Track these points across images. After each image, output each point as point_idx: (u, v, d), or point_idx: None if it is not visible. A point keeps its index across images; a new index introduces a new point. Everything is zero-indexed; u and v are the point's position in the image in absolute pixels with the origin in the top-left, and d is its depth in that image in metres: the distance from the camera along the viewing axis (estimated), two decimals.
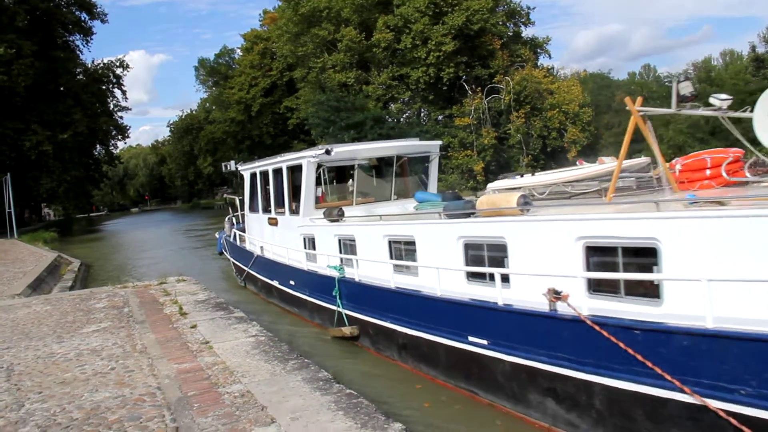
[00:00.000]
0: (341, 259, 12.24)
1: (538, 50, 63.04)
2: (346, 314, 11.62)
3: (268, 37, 77.46)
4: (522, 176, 11.40)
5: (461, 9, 50.94)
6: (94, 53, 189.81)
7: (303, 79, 64.37)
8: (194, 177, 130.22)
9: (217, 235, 25.10)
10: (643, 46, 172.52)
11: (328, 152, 13.31)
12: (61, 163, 58.20)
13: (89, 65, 69.53)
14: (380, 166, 15.46)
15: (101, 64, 70.41)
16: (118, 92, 73.22)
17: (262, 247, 16.76)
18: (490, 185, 11.41)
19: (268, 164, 16.10)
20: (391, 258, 10.71)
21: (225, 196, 27.46)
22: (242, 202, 20.93)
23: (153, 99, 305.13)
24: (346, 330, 11.52)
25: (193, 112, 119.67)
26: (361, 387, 8.25)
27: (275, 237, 15.91)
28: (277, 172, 15.45)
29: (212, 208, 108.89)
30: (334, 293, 11.71)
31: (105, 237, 59.76)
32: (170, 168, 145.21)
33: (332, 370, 8.02)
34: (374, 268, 10.97)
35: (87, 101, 64.28)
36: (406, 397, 8.98)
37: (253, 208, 18.08)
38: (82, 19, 66.61)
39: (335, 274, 11.80)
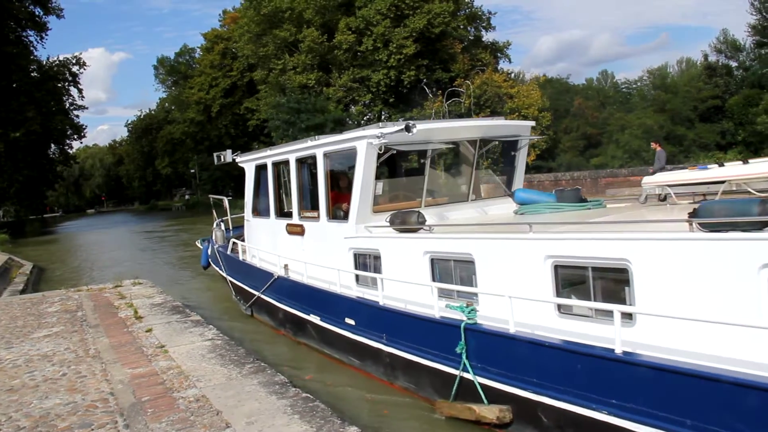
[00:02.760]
0: (437, 291, 8.19)
1: (499, 54, 63.83)
2: (480, 384, 7.18)
3: (229, 37, 76.93)
4: (721, 165, 8.18)
5: (422, 12, 51.31)
6: (52, 50, 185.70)
7: (263, 80, 64.00)
8: (152, 178, 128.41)
9: (199, 244, 20.11)
10: (603, 53, 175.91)
11: (408, 129, 9.15)
12: (13, 162, 56.81)
13: (44, 62, 68.02)
14: (453, 154, 11.84)
15: (56, 62, 68.95)
16: (74, 90, 71.79)
17: (286, 266, 12.11)
18: (646, 179, 8.82)
19: (289, 151, 12.20)
20: (558, 294, 6.98)
21: (209, 196, 22.25)
22: (234, 202, 18.48)
23: (112, 98, 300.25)
24: (488, 411, 7.10)
25: (152, 111, 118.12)
26: None
27: (297, 250, 11.91)
28: (305, 161, 11.76)
29: (170, 209, 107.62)
30: (458, 350, 7.25)
31: (59, 239, 58.41)
32: (128, 169, 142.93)
33: None
34: (523, 310, 6.98)
35: (41, 99, 62.75)
36: None
37: (260, 211, 14.13)
38: (37, 14, 65.15)
39: (458, 317, 7.46)
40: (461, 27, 57.56)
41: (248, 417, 5.88)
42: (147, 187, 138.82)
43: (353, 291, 9.92)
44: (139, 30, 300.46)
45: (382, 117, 57.55)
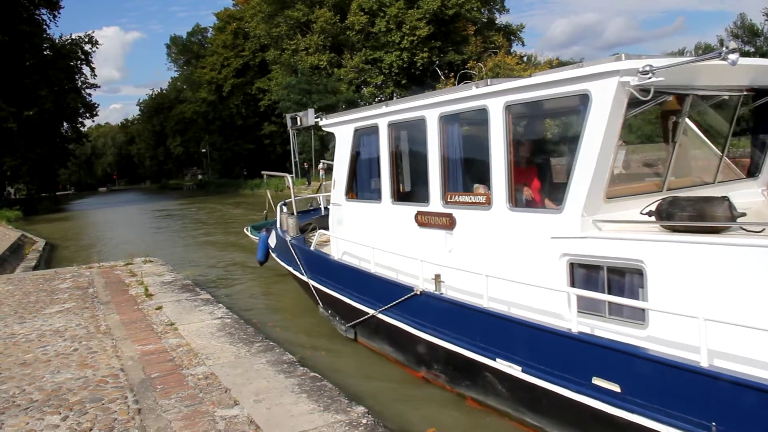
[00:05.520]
0: None
1: (512, 37, 63.42)
2: None
3: (242, 17, 76.70)
4: None
5: None
6: (67, 28, 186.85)
7: (276, 61, 63.87)
8: (164, 157, 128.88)
9: (249, 233, 16.72)
10: (618, 37, 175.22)
11: (724, 56, 5.37)
12: (26, 140, 57.12)
13: (57, 40, 68.10)
14: (703, 112, 7.63)
15: (69, 40, 69.03)
16: (86, 69, 71.96)
17: (438, 277, 7.68)
18: None
19: (426, 106, 8.29)
20: None
21: (263, 172, 16.39)
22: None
23: (125, 77, 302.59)
24: None
25: (164, 91, 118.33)
26: None
27: (436, 251, 8.11)
28: (456, 120, 8.04)
29: (181, 188, 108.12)
30: None
31: (71, 217, 58.81)
32: (139, 147, 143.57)
33: None
34: None
35: (54, 77, 62.97)
36: None
37: (361, 193, 10.40)
38: None
39: None
40: (475, 9, 57.10)
41: (256, 395, 5.94)
42: (158, 166, 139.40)
43: (568, 323, 6.00)
44: (154, 9, 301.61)
45: (394, 99, 57.50)
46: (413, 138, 9.26)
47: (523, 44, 79.41)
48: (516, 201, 7.09)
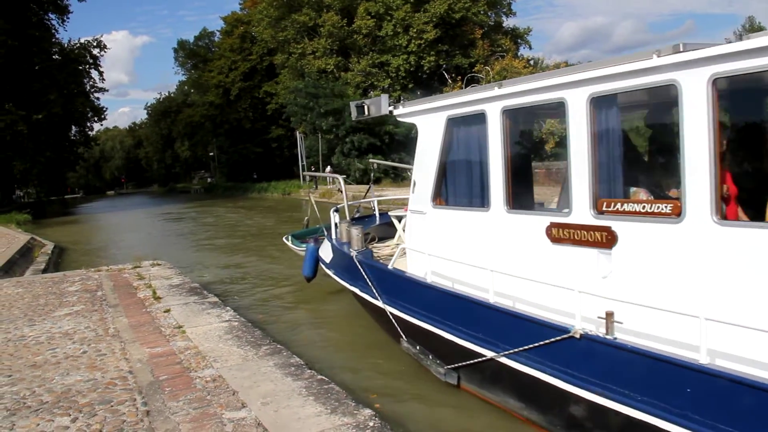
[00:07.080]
0: None
1: (519, 41, 63.43)
2: None
3: (249, 21, 77.01)
4: None
5: None
6: (78, 32, 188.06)
7: (283, 65, 64.10)
8: (171, 161, 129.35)
9: (289, 242, 15.16)
10: (626, 39, 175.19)
11: None
12: (35, 144, 57.45)
13: (65, 45, 68.53)
14: None
15: (77, 44, 69.42)
16: (95, 73, 72.31)
17: (610, 316, 5.19)
18: None
19: (563, 85, 6.19)
20: None
21: (304, 173, 14.64)
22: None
23: (133, 81, 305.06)
24: None
25: (172, 95, 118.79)
26: None
27: (580, 276, 6.03)
28: (614, 102, 5.85)
29: (188, 192, 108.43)
30: None
31: (80, 220, 58.99)
32: (147, 151, 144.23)
33: None
34: None
35: (63, 81, 63.25)
36: None
37: (455, 198, 8.26)
38: None
39: None
40: (482, 12, 57.16)
41: (264, 398, 5.96)
42: (166, 170, 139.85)
43: None
44: (163, 14, 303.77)
45: (402, 102, 57.55)
46: (541, 127, 7.11)
47: (530, 47, 79.83)
48: (720, 212, 5.04)
